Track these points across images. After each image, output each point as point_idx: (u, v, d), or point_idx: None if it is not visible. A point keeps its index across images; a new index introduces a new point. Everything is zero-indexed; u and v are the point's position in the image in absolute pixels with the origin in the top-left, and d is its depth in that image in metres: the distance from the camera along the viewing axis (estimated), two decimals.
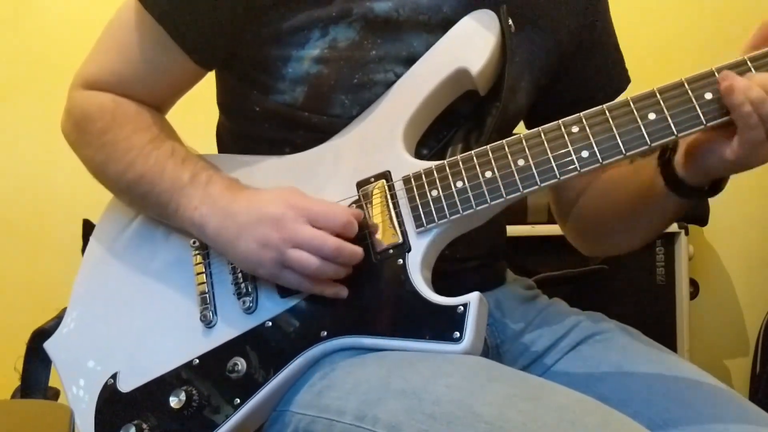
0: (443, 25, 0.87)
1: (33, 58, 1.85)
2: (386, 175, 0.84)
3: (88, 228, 1.59)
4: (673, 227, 1.62)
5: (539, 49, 0.94)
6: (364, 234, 0.82)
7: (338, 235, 0.79)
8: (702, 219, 1.73)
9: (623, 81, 1.04)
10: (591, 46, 1.00)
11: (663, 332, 1.60)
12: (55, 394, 1.38)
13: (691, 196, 0.84)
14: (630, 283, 1.63)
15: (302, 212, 0.79)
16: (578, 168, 0.76)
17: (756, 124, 0.71)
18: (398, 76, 0.87)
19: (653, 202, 0.88)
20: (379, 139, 0.86)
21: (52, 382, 1.38)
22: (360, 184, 0.85)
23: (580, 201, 1.03)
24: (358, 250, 0.79)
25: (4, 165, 1.86)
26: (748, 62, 0.72)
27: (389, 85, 0.87)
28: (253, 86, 0.90)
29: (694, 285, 1.72)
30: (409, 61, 0.87)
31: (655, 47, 1.83)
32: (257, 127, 0.92)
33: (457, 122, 0.89)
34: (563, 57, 0.98)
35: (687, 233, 1.63)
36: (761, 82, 0.71)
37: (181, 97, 0.95)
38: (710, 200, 1.73)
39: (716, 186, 0.83)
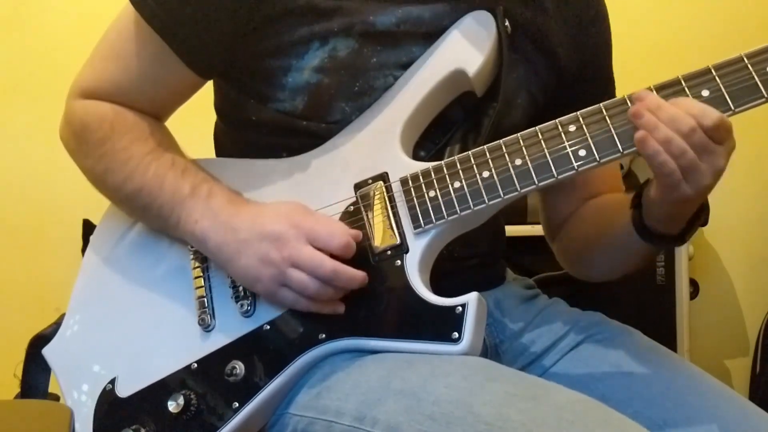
0: (441, 34, 0.86)
1: (33, 58, 1.85)
2: (384, 177, 0.84)
3: (88, 228, 1.59)
4: None
5: (537, 69, 0.94)
6: (363, 245, 0.81)
7: (337, 256, 0.79)
8: None
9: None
10: (591, 73, 0.99)
11: (663, 332, 1.60)
12: (54, 401, 1.38)
13: (654, 242, 0.85)
14: (630, 283, 1.62)
15: (304, 231, 0.79)
16: (575, 167, 0.76)
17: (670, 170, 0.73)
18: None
19: (625, 242, 0.88)
20: (376, 140, 0.86)
21: (52, 388, 1.38)
22: (358, 186, 0.84)
23: (566, 225, 1.03)
24: (356, 275, 0.79)
25: (4, 165, 1.86)
26: (745, 59, 0.72)
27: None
28: (252, 95, 0.90)
29: (694, 285, 1.71)
30: (409, 66, 0.87)
31: (654, 46, 1.82)
32: (254, 133, 0.92)
33: (455, 124, 0.89)
34: (561, 80, 0.96)
35: None
36: (671, 117, 0.72)
37: (181, 105, 0.94)
38: (710, 200, 1.72)
39: (683, 236, 0.85)
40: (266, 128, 0.90)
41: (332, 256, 0.78)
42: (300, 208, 0.83)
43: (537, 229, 1.56)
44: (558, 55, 0.94)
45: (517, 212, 1.60)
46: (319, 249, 0.78)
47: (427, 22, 0.86)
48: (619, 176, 1.07)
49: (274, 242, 0.79)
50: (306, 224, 0.80)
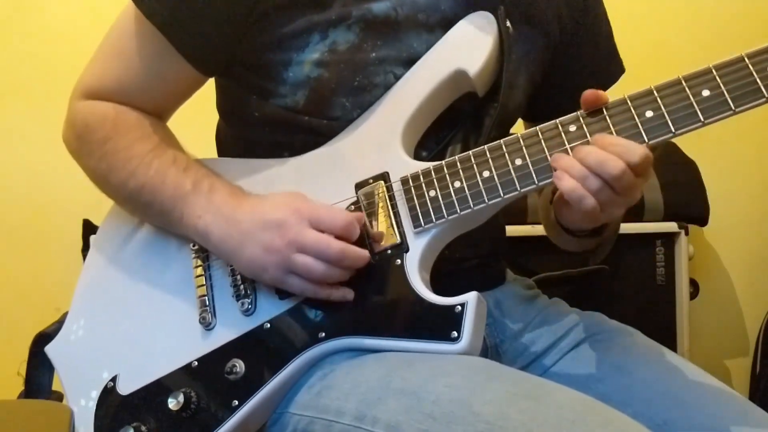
0: (442, 24, 0.87)
1: (33, 58, 1.85)
2: (384, 176, 0.84)
3: (88, 228, 1.59)
4: (673, 227, 1.62)
5: (533, 45, 0.94)
6: (362, 235, 0.82)
7: (341, 238, 0.79)
8: (702, 219, 1.73)
9: (617, 70, 1.04)
10: (583, 35, 1.00)
11: (663, 332, 1.60)
12: (58, 398, 1.38)
13: (577, 236, 0.88)
14: (630, 283, 1.63)
15: (305, 216, 0.79)
16: None
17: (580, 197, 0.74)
18: (398, 78, 0.87)
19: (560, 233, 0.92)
20: (377, 140, 0.86)
21: (56, 386, 1.38)
22: (358, 186, 0.85)
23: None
24: (363, 254, 0.79)
25: (4, 165, 1.86)
26: (746, 59, 0.72)
27: (389, 87, 0.87)
28: (253, 91, 0.90)
29: (694, 285, 1.71)
30: (410, 62, 0.87)
31: (654, 46, 1.82)
32: (256, 131, 0.92)
33: (456, 123, 0.89)
34: (556, 49, 0.98)
35: (687, 233, 1.63)
36: (583, 156, 0.73)
37: (182, 104, 0.95)
38: (710, 200, 1.72)
39: (598, 230, 0.88)
40: (268, 125, 0.90)
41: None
42: (299, 195, 0.83)
43: (537, 229, 1.57)
44: (551, 30, 0.95)
45: (517, 212, 1.60)
46: (321, 232, 0.79)
47: (423, 6, 0.86)
48: None
49: (277, 229, 0.79)
50: (307, 209, 0.80)
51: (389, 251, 0.81)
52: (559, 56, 0.99)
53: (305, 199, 0.83)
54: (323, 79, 0.85)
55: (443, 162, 0.81)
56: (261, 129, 0.91)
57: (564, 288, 1.55)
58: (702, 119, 0.72)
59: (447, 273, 0.84)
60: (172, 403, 0.82)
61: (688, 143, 1.68)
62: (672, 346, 1.60)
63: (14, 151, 1.86)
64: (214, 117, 1.02)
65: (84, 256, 1.18)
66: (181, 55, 0.86)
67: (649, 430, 0.66)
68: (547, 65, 0.98)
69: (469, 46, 0.85)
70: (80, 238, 1.59)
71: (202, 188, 0.85)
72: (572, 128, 0.77)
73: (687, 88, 0.73)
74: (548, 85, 1.00)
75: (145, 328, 0.89)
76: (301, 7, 0.84)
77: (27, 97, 1.84)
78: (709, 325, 1.89)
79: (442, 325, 0.75)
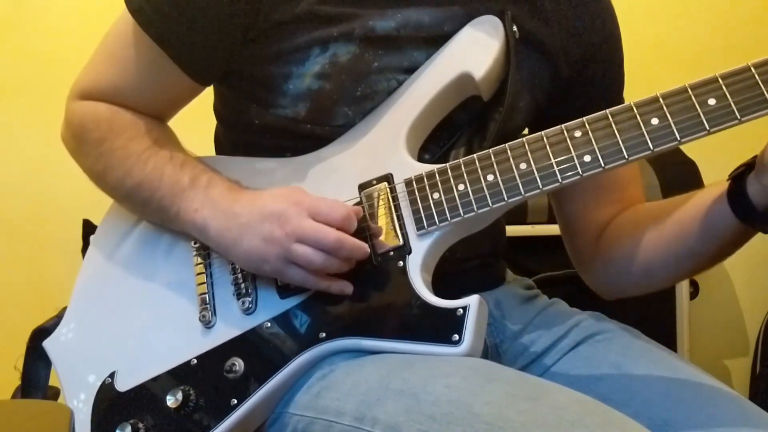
0: (444, 40, 0.87)
1: (33, 57, 1.85)
2: (388, 178, 0.84)
3: (88, 228, 1.59)
4: None
5: (540, 71, 0.93)
6: (365, 236, 0.82)
7: (339, 230, 0.79)
8: None
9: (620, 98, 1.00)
10: (593, 74, 0.97)
11: (663, 332, 1.60)
12: (55, 394, 1.38)
13: (756, 223, 0.78)
14: None
15: (304, 207, 0.79)
16: (580, 172, 0.75)
17: None
18: (400, 84, 0.87)
19: (708, 233, 0.83)
20: (382, 142, 0.86)
21: (53, 382, 1.38)
22: (362, 186, 0.85)
23: (611, 234, 0.97)
24: (360, 245, 0.79)
25: (4, 165, 1.86)
26: (752, 69, 0.72)
27: (392, 92, 0.87)
28: (253, 100, 0.90)
29: (694, 285, 1.71)
30: (412, 70, 0.87)
31: (656, 48, 1.82)
32: (257, 137, 0.92)
33: (460, 127, 0.89)
34: (562, 83, 0.96)
35: None
36: None
37: (181, 109, 0.94)
38: None
39: None
40: (269, 132, 0.90)
41: None
42: (298, 188, 0.83)
43: (537, 229, 1.57)
44: (557, 62, 0.94)
45: (517, 212, 1.60)
46: (320, 222, 0.79)
47: (427, 26, 0.86)
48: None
49: (277, 220, 0.79)
50: (306, 200, 0.80)
51: (391, 253, 0.81)
52: (565, 90, 0.96)
53: (304, 192, 0.83)
54: (324, 91, 0.85)
55: (447, 164, 0.81)
56: (262, 135, 0.91)
57: (564, 288, 1.55)
58: (708, 128, 0.72)
59: (447, 273, 0.84)
60: (171, 401, 0.82)
61: (688, 143, 1.68)
62: (672, 346, 1.60)
63: (14, 150, 1.86)
64: (214, 118, 1.02)
65: (84, 256, 1.19)
66: (177, 65, 0.85)
67: (649, 430, 0.66)
68: (553, 93, 0.96)
69: (475, 50, 0.85)
70: (80, 237, 1.59)
71: (199, 183, 0.85)
72: (577, 134, 0.76)
73: (693, 97, 0.72)
74: (550, 113, 0.96)
75: (144, 324, 0.89)
76: (302, 23, 0.83)
77: (27, 96, 1.85)
78: (709, 325, 1.89)
79: (443, 327, 0.75)
